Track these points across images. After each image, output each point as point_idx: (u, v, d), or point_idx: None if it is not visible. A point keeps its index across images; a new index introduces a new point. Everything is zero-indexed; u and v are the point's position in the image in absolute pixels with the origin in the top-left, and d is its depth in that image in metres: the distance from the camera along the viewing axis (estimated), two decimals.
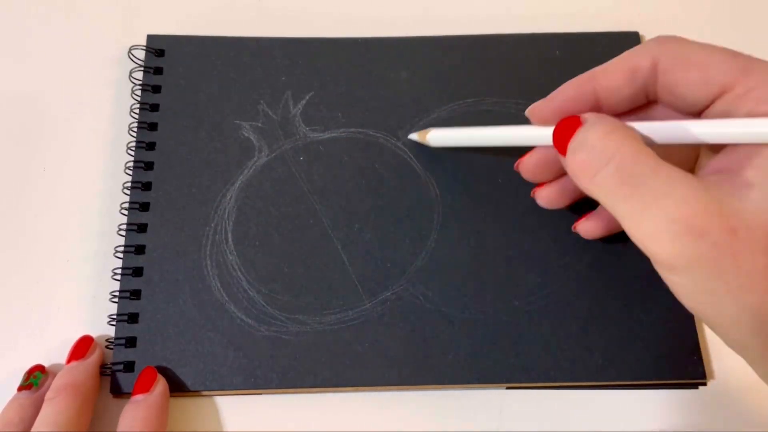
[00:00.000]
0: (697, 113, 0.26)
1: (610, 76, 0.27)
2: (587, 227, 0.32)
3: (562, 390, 0.32)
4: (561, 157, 0.26)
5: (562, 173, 0.31)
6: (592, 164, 0.24)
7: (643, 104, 0.28)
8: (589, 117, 0.26)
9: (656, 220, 0.22)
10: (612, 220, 0.31)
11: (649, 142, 0.25)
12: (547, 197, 0.32)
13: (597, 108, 0.28)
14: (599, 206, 0.32)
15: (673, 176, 0.22)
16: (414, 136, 0.36)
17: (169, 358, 0.32)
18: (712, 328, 0.24)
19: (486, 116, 0.37)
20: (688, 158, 0.28)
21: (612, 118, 0.26)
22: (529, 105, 0.37)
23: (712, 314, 0.23)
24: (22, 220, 0.36)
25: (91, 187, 0.36)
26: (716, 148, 0.25)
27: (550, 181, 0.32)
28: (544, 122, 0.28)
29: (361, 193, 0.35)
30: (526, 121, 0.30)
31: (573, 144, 0.25)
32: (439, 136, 0.34)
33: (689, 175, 0.23)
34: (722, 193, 0.22)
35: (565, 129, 0.26)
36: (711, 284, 0.22)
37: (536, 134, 0.30)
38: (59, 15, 0.41)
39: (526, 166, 0.31)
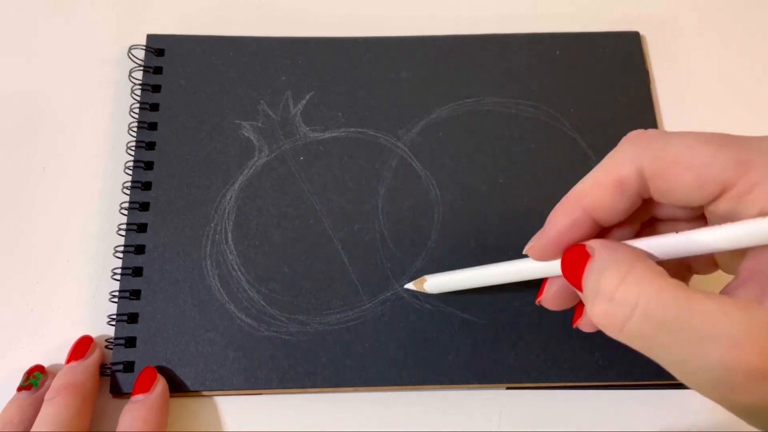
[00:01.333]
0: (698, 209, 0.24)
1: (598, 196, 0.24)
2: (588, 320, 0.28)
3: (562, 390, 0.32)
4: (580, 293, 0.24)
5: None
6: (616, 316, 0.21)
7: (638, 208, 0.25)
8: (596, 248, 0.23)
9: (709, 371, 0.19)
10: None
11: (664, 260, 0.23)
12: (553, 302, 0.28)
13: (593, 226, 0.25)
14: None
15: (708, 311, 0.19)
16: (410, 286, 0.33)
17: (169, 358, 0.32)
18: None
19: (486, 116, 0.37)
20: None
21: (618, 245, 0.23)
22: (529, 105, 0.37)
23: None
24: (22, 219, 0.36)
25: (91, 187, 0.36)
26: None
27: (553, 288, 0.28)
28: (546, 258, 0.26)
29: (361, 193, 0.35)
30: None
31: (589, 290, 0.23)
32: (436, 283, 0.32)
33: (725, 301, 0.19)
34: None
35: (574, 263, 0.24)
36: None
37: (543, 268, 0.27)
38: (59, 15, 0.41)
39: (547, 301, 0.28)
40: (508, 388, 0.32)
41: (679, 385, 0.32)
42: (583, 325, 0.28)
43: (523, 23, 0.40)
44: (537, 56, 0.39)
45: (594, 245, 0.24)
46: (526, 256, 0.28)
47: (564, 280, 0.27)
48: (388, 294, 0.33)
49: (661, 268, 0.22)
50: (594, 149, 0.36)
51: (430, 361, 0.32)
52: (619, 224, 0.25)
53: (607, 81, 0.38)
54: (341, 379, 0.32)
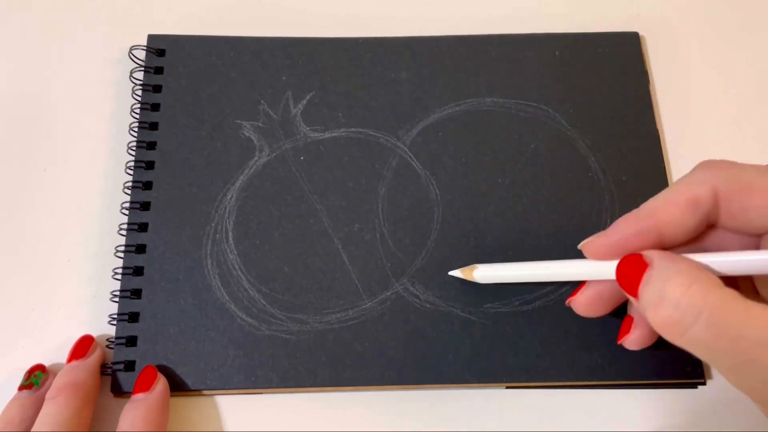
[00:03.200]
0: (759, 235, 0.26)
1: (671, 212, 0.26)
2: (634, 338, 0.29)
3: (562, 390, 0.32)
4: (633, 300, 0.25)
5: (617, 304, 0.30)
6: (680, 321, 0.23)
7: (701, 233, 0.27)
8: (654, 258, 0.25)
9: (762, 374, 0.21)
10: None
11: (721, 276, 0.24)
12: (585, 308, 0.30)
13: (656, 242, 0.26)
14: (635, 313, 0.30)
15: (765, 319, 0.21)
16: (457, 273, 0.33)
17: (170, 357, 0.32)
18: None
19: (486, 116, 0.37)
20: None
21: (679, 258, 0.25)
22: (529, 105, 0.37)
23: None
24: (23, 219, 0.36)
25: (91, 187, 0.36)
26: None
27: (584, 287, 0.30)
28: (599, 258, 0.27)
29: (361, 193, 0.35)
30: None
31: (648, 296, 0.24)
32: (486, 274, 0.32)
33: None
34: None
35: (631, 269, 0.25)
36: None
37: (591, 271, 0.28)
38: (60, 15, 0.41)
39: (579, 303, 0.29)
40: (507, 388, 0.32)
41: (679, 385, 0.32)
42: (630, 342, 0.29)
43: (523, 24, 0.40)
44: (536, 56, 0.39)
45: (652, 255, 0.25)
46: (573, 257, 0.29)
47: (601, 287, 0.29)
48: (388, 293, 0.33)
49: (719, 280, 0.23)
50: (593, 149, 0.36)
51: (430, 361, 0.32)
52: (674, 248, 0.27)
53: (607, 81, 0.38)
54: (341, 378, 0.32)
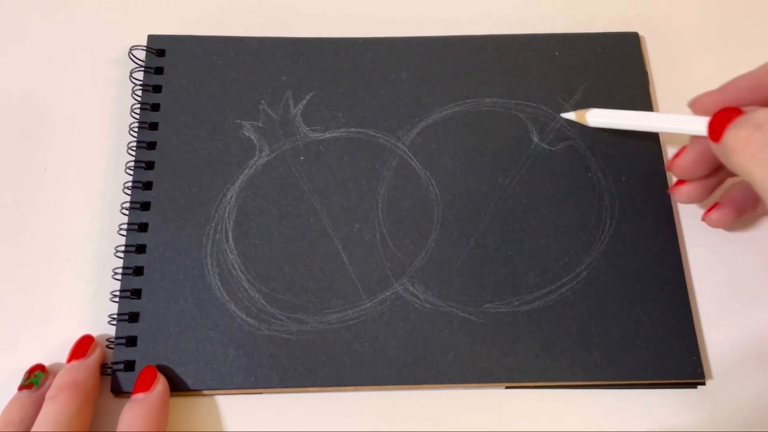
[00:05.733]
0: None
1: None
2: (718, 216, 0.33)
3: (562, 390, 0.32)
4: (711, 142, 0.27)
5: (712, 170, 0.31)
6: (756, 142, 0.25)
7: None
8: (750, 108, 0.26)
9: None
10: (738, 206, 0.32)
11: None
12: (687, 194, 0.33)
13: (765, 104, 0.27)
14: (724, 194, 0.33)
15: None
16: (570, 116, 0.36)
17: (170, 357, 0.32)
18: None
19: (486, 116, 0.37)
20: None
21: None
22: (529, 105, 0.38)
23: None
24: (23, 219, 0.36)
25: (91, 187, 0.36)
26: None
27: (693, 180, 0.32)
28: (705, 112, 0.29)
29: (361, 193, 0.35)
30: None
31: (735, 123, 0.26)
32: (598, 119, 0.35)
33: None
34: None
35: (724, 117, 0.26)
36: None
37: (693, 127, 0.29)
38: (60, 15, 0.41)
39: (681, 163, 0.31)
40: (507, 388, 0.32)
41: (679, 385, 0.32)
42: (714, 218, 0.33)
43: (523, 24, 0.40)
44: (536, 57, 0.39)
45: (750, 108, 0.26)
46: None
47: (705, 150, 0.30)
48: (388, 293, 0.33)
49: None
50: (593, 150, 0.36)
51: (429, 360, 0.32)
52: None
53: (607, 81, 0.38)
54: (341, 378, 0.32)
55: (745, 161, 0.25)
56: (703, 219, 0.33)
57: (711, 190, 0.33)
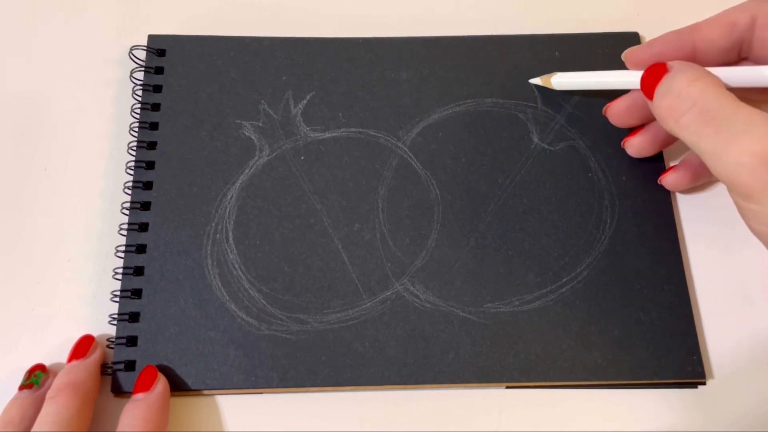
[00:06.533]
0: None
1: (710, 28, 0.30)
2: (674, 178, 0.34)
3: (562, 390, 0.32)
4: (648, 101, 0.29)
5: (645, 119, 0.34)
6: (678, 108, 0.27)
7: (734, 61, 0.31)
8: (674, 64, 0.28)
9: (737, 155, 0.25)
10: (695, 170, 0.34)
11: (729, 87, 0.28)
12: (638, 145, 0.34)
13: (691, 59, 0.30)
14: (682, 158, 0.35)
15: (752, 116, 0.25)
16: (537, 81, 0.37)
17: (170, 357, 0.32)
18: None
19: (486, 116, 0.37)
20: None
21: (696, 65, 0.28)
22: (529, 105, 0.38)
23: None
24: (24, 219, 0.36)
25: (92, 187, 0.36)
26: None
27: (640, 130, 0.34)
28: (637, 66, 0.31)
29: (361, 193, 0.35)
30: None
31: (659, 90, 0.28)
32: (563, 81, 0.36)
33: (766, 115, 0.25)
34: None
35: (653, 75, 0.29)
36: None
37: (627, 79, 0.32)
38: (60, 15, 0.41)
39: (614, 110, 0.34)
40: (507, 388, 0.32)
41: (679, 385, 0.32)
42: (669, 180, 0.35)
43: (523, 24, 0.40)
44: (537, 57, 0.39)
45: (674, 63, 0.29)
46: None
47: (637, 97, 0.33)
48: (389, 293, 0.33)
49: (723, 84, 0.27)
50: (593, 150, 0.36)
51: (429, 360, 0.32)
52: None
53: None
54: (341, 378, 0.32)
55: (673, 127, 0.28)
56: (659, 181, 0.35)
57: (660, 145, 0.34)
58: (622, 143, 0.35)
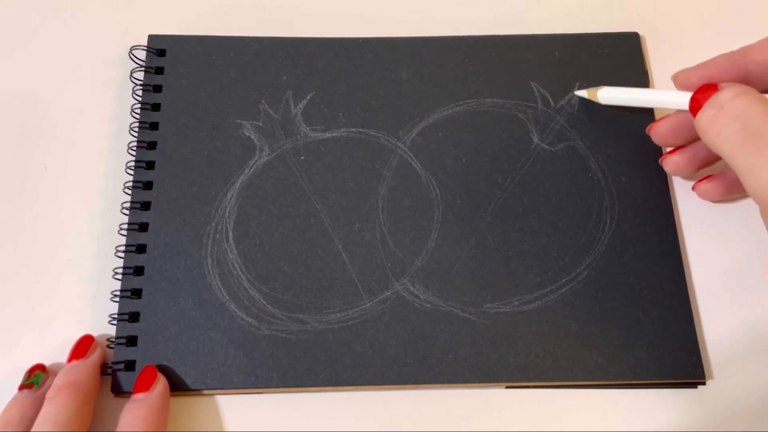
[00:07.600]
0: None
1: (763, 51, 0.29)
2: (707, 188, 0.34)
3: (562, 390, 0.32)
4: (693, 118, 0.29)
5: (688, 141, 0.33)
6: (720, 120, 0.27)
7: None
8: (725, 84, 0.28)
9: None
10: (729, 183, 0.34)
11: None
12: (676, 164, 0.34)
13: (744, 80, 0.29)
14: (719, 171, 0.35)
15: None
16: (582, 94, 0.37)
17: (170, 357, 0.32)
18: None
19: (486, 116, 0.37)
20: None
21: (747, 86, 0.28)
22: (529, 105, 0.38)
23: None
24: (23, 219, 0.36)
25: (92, 187, 0.36)
26: None
27: (680, 149, 0.34)
28: (686, 87, 0.31)
29: (361, 192, 0.35)
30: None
31: (706, 102, 0.28)
32: (608, 95, 0.36)
33: None
34: None
35: (702, 94, 0.29)
36: None
37: (676, 99, 0.32)
38: (60, 15, 0.41)
39: (659, 129, 0.34)
40: (507, 388, 0.32)
41: (679, 385, 0.32)
42: (702, 189, 0.35)
43: (523, 24, 0.40)
44: (536, 57, 0.39)
45: (725, 84, 0.28)
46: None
47: (682, 119, 0.32)
48: (389, 293, 0.33)
49: None
50: (593, 150, 0.36)
51: (429, 360, 0.32)
52: None
53: (607, 82, 0.38)
54: (341, 378, 0.32)
55: (713, 140, 0.27)
56: (693, 188, 0.35)
57: (698, 166, 0.34)
58: (659, 160, 0.35)
